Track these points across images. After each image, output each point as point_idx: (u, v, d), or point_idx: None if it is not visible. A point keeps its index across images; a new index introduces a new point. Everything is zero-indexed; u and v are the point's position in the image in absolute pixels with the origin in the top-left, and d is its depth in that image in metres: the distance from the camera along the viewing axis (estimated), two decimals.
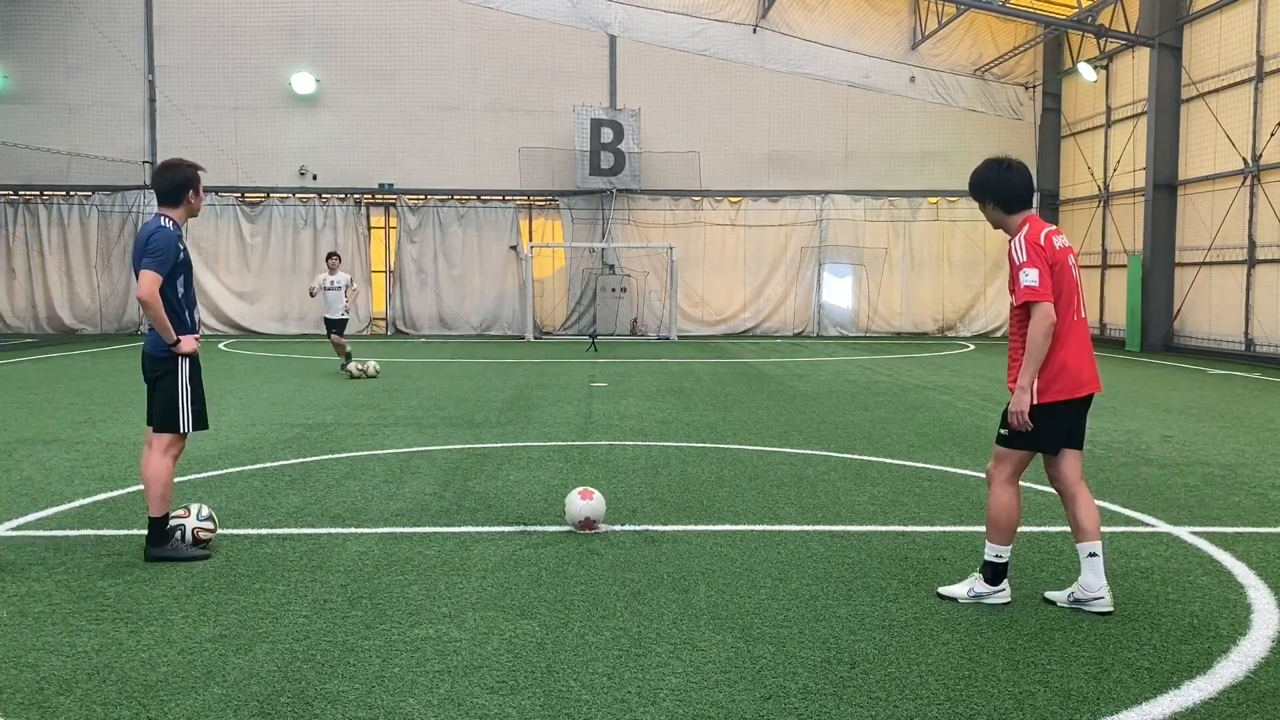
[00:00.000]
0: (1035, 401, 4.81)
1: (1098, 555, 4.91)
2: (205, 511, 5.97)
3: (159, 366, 5.84)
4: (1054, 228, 4.98)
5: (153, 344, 5.85)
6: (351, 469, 8.53)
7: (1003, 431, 5.02)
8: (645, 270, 28.69)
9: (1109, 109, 26.09)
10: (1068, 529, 6.62)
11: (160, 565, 5.66)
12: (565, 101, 27.90)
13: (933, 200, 28.80)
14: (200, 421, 5.91)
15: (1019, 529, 5.20)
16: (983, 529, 6.56)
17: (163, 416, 5.82)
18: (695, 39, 27.84)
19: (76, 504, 7.17)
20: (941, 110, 28.53)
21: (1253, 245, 20.63)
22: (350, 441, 9.95)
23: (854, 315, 29.14)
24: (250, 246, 28.33)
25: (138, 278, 5.72)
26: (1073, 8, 25.54)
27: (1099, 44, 25.30)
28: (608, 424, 11.24)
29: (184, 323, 5.85)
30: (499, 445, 9.79)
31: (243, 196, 28.19)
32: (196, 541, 5.84)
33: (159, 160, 27.90)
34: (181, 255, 5.80)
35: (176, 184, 5.83)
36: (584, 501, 6.44)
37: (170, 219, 5.83)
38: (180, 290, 5.84)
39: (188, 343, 5.82)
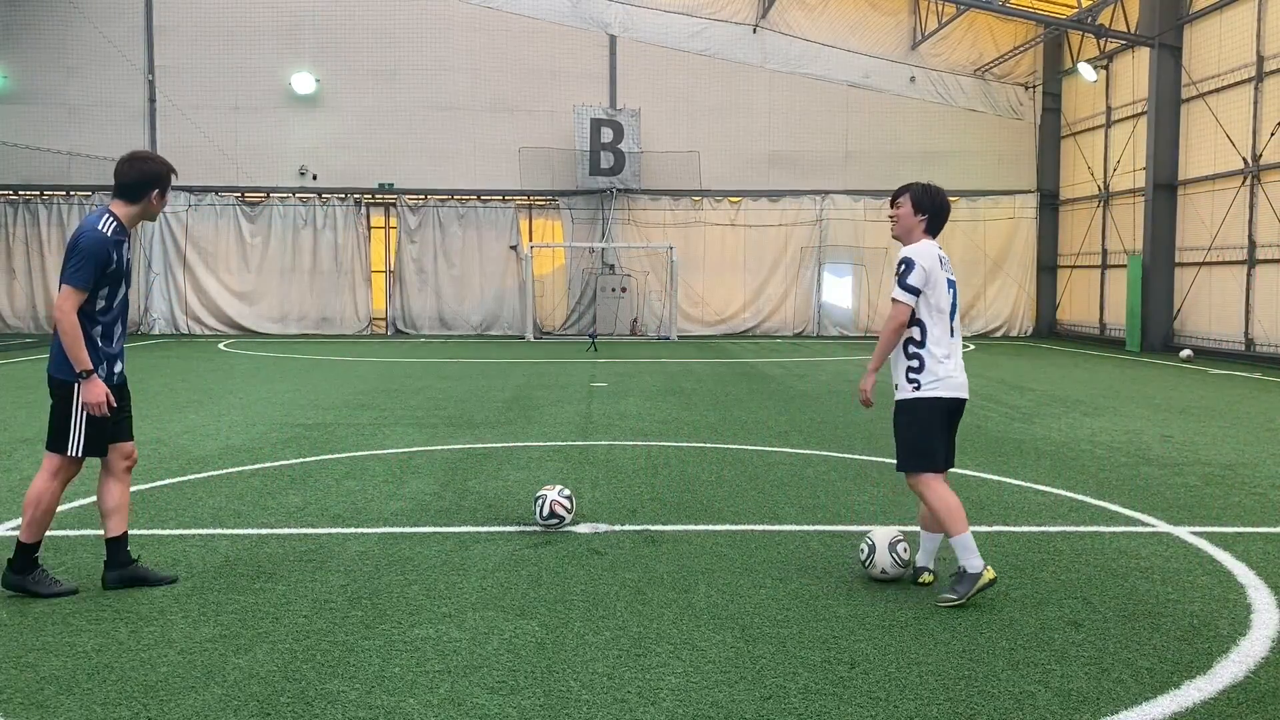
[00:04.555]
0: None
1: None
2: (566, 491, 6.09)
3: (58, 389, 5.04)
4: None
5: (55, 365, 5.02)
6: (351, 469, 8.53)
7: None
8: (645, 270, 28.68)
9: (1109, 109, 26.08)
10: (1068, 529, 6.67)
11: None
12: (565, 101, 27.90)
13: None
14: (95, 447, 5.07)
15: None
16: (981, 529, 6.57)
17: (52, 434, 5.06)
18: (695, 39, 27.85)
19: (76, 504, 7.16)
20: (941, 110, 28.53)
21: (1253, 245, 20.63)
22: (350, 441, 9.95)
23: (854, 315, 29.13)
24: (250, 246, 28.32)
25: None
26: (1073, 8, 25.55)
27: (1099, 44, 25.30)
28: (608, 424, 11.24)
29: (96, 350, 4.97)
30: (499, 445, 9.79)
31: (243, 196, 28.18)
32: (553, 514, 5.95)
33: None
34: (114, 264, 4.95)
35: (146, 178, 5.07)
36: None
37: (116, 218, 5.03)
38: (100, 303, 4.99)
39: (93, 391, 4.89)
